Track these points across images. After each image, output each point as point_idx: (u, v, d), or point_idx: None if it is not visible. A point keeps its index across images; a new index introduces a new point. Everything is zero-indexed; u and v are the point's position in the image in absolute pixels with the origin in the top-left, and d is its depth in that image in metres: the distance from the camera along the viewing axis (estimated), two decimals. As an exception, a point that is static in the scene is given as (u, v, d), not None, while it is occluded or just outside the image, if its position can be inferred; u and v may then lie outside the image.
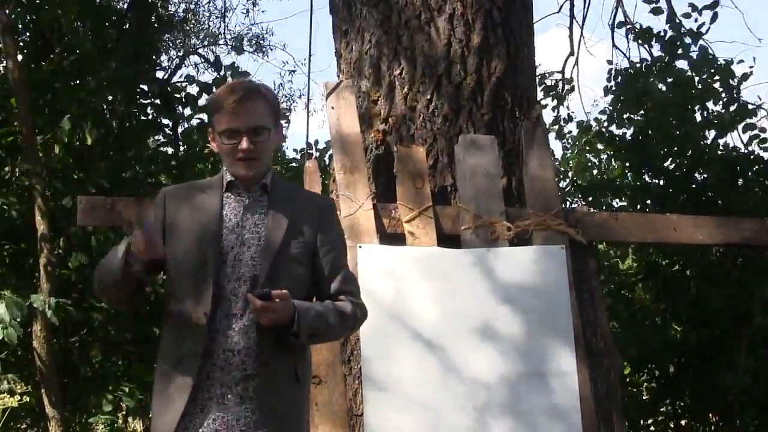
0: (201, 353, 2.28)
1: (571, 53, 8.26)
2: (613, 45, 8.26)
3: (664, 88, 5.77)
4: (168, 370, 2.35)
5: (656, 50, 6.15)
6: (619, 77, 6.15)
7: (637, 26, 6.85)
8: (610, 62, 6.96)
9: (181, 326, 2.35)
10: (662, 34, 5.89)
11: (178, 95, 5.85)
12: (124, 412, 5.72)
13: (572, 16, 8.24)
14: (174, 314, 2.38)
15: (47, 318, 4.61)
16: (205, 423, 2.27)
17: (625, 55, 8.31)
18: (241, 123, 2.36)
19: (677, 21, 5.95)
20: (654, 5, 5.94)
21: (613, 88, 6.18)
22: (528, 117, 4.08)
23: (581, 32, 8.23)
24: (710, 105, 5.74)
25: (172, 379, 2.32)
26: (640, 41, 6.47)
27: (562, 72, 8.01)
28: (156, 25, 6.66)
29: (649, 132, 5.77)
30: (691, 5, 5.84)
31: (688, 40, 5.80)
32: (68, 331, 5.24)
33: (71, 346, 5.55)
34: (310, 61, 5.08)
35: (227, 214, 2.42)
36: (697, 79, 5.69)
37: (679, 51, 5.77)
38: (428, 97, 4.00)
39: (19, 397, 6.23)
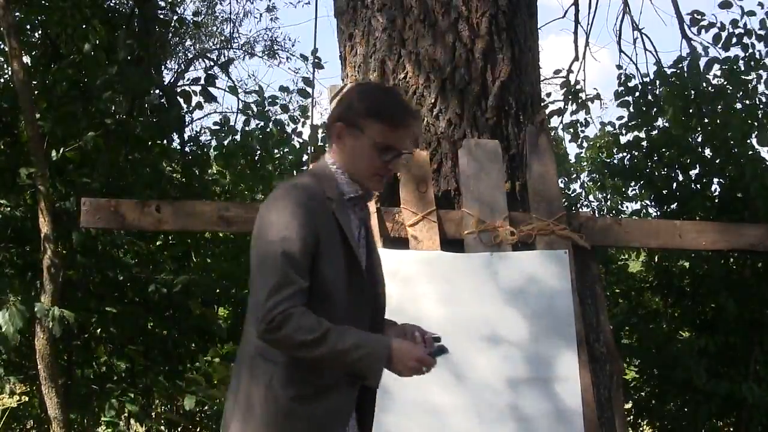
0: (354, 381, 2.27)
1: (576, 58, 8.26)
2: (620, 50, 8.27)
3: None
4: (313, 396, 2.26)
5: (670, 52, 6.28)
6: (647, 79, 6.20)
7: (644, 32, 6.86)
8: (619, 67, 6.96)
9: None
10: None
11: (182, 98, 5.85)
12: (126, 415, 5.70)
13: (577, 21, 8.26)
14: None
15: (50, 327, 4.59)
16: None
17: (632, 60, 8.30)
18: (406, 145, 2.40)
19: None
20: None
21: (624, 92, 6.17)
22: (532, 121, 4.08)
23: (587, 38, 8.23)
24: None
25: (325, 405, 2.26)
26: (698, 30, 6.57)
27: (567, 77, 8.00)
28: (161, 29, 6.65)
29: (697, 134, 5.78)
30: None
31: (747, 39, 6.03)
32: (73, 333, 5.24)
33: (74, 348, 5.55)
34: (314, 66, 5.09)
35: (354, 234, 2.37)
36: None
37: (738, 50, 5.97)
38: (432, 101, 3.99)
39: (18, 397, 6.23)
